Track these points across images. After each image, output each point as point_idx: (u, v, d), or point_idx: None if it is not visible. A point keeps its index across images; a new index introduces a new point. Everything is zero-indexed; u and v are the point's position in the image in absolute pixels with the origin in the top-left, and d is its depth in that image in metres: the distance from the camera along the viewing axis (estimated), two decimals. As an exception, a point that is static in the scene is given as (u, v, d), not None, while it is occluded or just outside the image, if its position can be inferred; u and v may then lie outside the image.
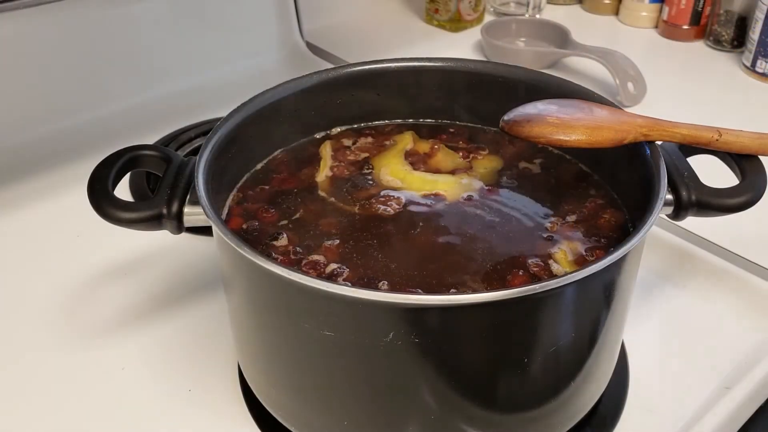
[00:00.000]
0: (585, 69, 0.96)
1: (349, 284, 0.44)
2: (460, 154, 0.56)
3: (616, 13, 1.15)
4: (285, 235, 0.48)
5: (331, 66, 0.58)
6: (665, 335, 0.59)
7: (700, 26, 1.06)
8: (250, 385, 0.50)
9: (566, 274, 0.38)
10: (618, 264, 0.41)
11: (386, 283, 0.44)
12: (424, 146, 0.57)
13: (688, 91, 0.94)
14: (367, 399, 0.43)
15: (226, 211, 0.51)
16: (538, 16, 1.13)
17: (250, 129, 0.52)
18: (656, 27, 1.11)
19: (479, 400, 0.42)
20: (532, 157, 0.56)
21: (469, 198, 0.52)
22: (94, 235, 0.63)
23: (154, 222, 0.45)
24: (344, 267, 0.45)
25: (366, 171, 0.55)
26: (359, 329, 0.39)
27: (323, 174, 0.54)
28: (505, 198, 0.52)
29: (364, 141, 0.58)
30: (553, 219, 0.50)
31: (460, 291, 0.43)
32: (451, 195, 0.52)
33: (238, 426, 0.51)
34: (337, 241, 0.47)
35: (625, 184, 0.50)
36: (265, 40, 0.99)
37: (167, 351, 0.56)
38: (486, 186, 0.53)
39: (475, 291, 0.43)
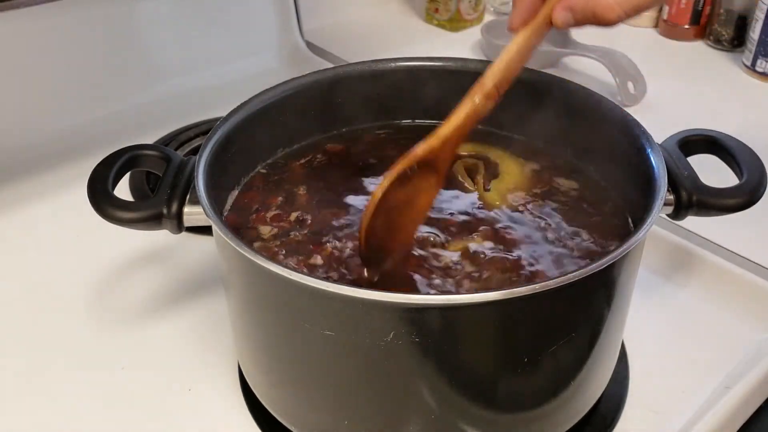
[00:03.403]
0: (585, 68, 0.96)
1: (344, 284, 0.43)
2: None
3: (616, 12, 1.15)
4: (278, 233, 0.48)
5: (331, 66, 0.58)
6: (665, 335, 0.58)
7: (700, 26, 1.06)
8: (250, 385, 0.50)
9: (566, 274, 0.38)
10: (618, 263, 0.41)
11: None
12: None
13: (688, 90, 0.94)
14: (367, 399, 0.43)
15: (226, 210, 0.51)
16: (538, 15, 1.13)
17: (250, 128, 0.52)
18: (656, 26, 1.11)
19: (479, 399, 0.42)
20: (535, 157, 0.56)
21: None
22: (93, 235, 0.63)
23: (153, 221, 0.45)
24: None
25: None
26: (359, 329, 0.39)
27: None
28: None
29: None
30: (552, 218, 0.50)
31: (461, 291, 0.43)
32: None
33: (238, 426, 0.51)
34: (325, 238, 0.48)
35: (625, 184, 0.50)
36: (265, 40, 0.99)
37: (167, 350, 0.56)
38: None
39: (475, 291, 0.43)
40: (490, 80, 0.45)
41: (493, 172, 0.55)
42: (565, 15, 0.43)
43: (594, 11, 0.42)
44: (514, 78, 0.46)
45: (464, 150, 0.56)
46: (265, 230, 0.49)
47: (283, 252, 0.47)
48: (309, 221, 0.50)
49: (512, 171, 0.55)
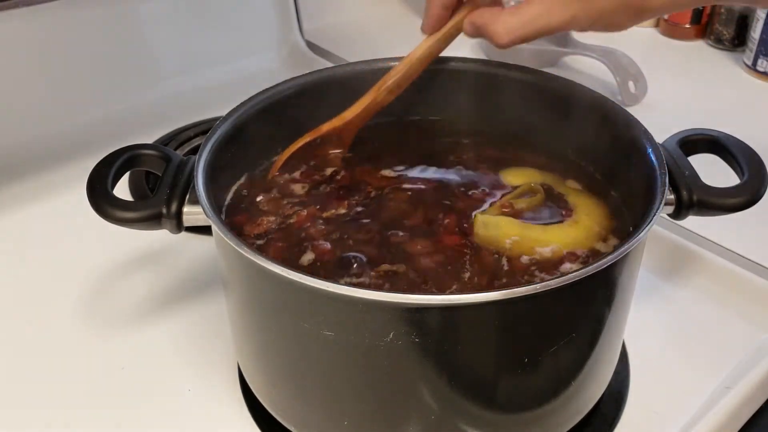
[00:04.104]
0: (586, 68, 0.96)
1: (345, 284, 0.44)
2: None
3: (617, 12, 1.15)
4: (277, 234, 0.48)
5: (331, 65, 0.58)
6: (666, 335, 0.58)
7: (701, 25, 1.06)
8: (250, 385, 0.50)
9: (567, 274, 0.37)
10: (619, 263, 0.40)
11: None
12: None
13: (688, 90, 0.94)
14: (367, 399, 0.43)
15: (225, 210, 0.51)
16: (538, 15, 1.13)
17: (250, 128, 0.51)
18: (657, 26, 1.11)
19: (480, 400, 0.42)
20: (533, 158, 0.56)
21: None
22: (93, 235, 0.63)
23: (153, 221, 0.45)
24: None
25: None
26: (359, 329, 0.39)
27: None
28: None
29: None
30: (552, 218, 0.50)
31: (461, 291, 0.43)
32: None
33: (238, 426, 0.51)
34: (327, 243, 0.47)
35: (626, 183, 0.50)
36: (265, 40, 0.99)
37: (167, 351, 0.56)
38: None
39: (475, 291, 0.43)
40: (392, 78, 0.52)
41: (554, 212, 0.50)
42: (471, 28, 0.50)
43: (487, 32, 0.48)
44: (415, 77, 0.53)
45: (566, 186, 0.52)
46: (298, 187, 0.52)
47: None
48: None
49: (572, 230, 0.48)
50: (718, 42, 1.04)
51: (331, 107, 0.57)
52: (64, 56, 0.81)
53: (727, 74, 0.98)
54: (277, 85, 0.54)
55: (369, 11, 1.13)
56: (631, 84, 0.88)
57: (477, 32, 0.49)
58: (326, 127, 0.53)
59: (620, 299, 0.44)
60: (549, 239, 0.47)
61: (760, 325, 0.58)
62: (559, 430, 0.47)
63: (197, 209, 0.43)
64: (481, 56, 1.01)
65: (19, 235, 0.68)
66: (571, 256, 0.46)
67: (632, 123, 0.49)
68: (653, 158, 0.46)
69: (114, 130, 0.81)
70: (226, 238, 0.39)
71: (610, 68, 0.89)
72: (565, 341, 0.41)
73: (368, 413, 0.43)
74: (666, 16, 1.07)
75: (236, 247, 0.39)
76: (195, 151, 0.47)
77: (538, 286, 0.36)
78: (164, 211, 0.45)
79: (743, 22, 1.01)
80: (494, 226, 0.48)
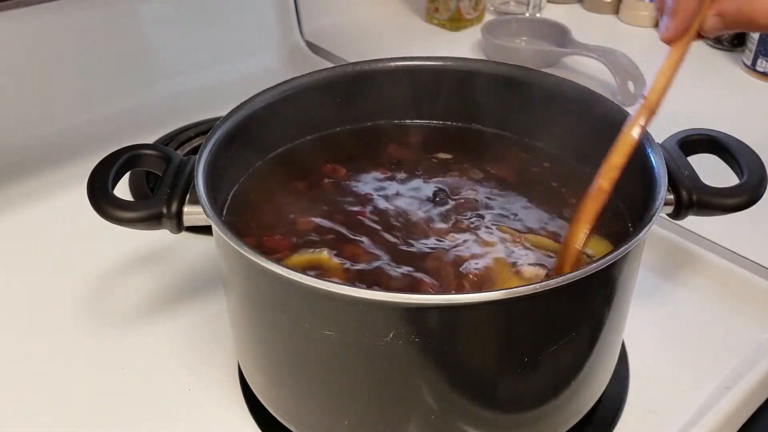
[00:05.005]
0: (585, 68, 0.96)
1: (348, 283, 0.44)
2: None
3: (617, 12, 1.15)
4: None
5: (331, 65, 0.58)
6: (665, 335, 0.58)
7: (701, 25, 1.06)
8: (250, 385, 0.50)
9: (567, 273, 0.38)
10: (618, 264, 0.41)
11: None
12: None
13: (688, 90, 0.94)
14: (367, 399, 0.43)
15: (225, 210, 0.51)
16: (538, 15, 1.13)
17: (250, 128, 0.52)
18: (656, 26, 1.10)
19: (479, 399, 0.42)
20: (532, 159, 0.56)
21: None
22: (93, 235, 0.63)
23: (153, 221, 0.45)
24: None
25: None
26: (359, 329, 0.39)
27: None
28: (501, 195, 0.52)
29: None
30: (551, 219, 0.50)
31: (461, 291, 0.43)
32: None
33: (238, 426, 0.51)
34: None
35: (625, 183, 0.50)
36: (265, 40, 0.99)
37: (167, 351, 0.56)
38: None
39: (475, 291, 0.43)
40: (654, 100, 0.47)
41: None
42: (715, 21, 0.42)
43: (749, 16, 0.40)
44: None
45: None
46: None
47: None
48: None
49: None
50: (718, 42, 1.04)
51: (331, 108, 0.57)
52: (65, 56, 0.81)
53: (726, 74, 0.98)
54: (277, 85, 0.54)
55: (369, 11, 1.13)
56: (630, 84, 0.88)
57: (726, 23, 0.41)
58: (607, 185, 0.44)
59: (620, 299, 0.44)
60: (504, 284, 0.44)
61: (760, 325, 0.58)
62: (558, 430, 0.47)
63: (197, 209, 0.43)
64: (482, 56, 1.01)
65: (19, 235, 0.68)
66: None
67: (632, 123, 0.49)
68: (653, 158, 0.46)
69: (114, 130, 0.81)
70: (226, 238, 0.40)
71: (609, 68, 0.89)
72: (565, 341, 0.41)
73: (368, 413, 0.43)
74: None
75: (236, 247, 0.39)
76: (195, 151, 0.48)
77: (537, 286, 0.36)
78: (164, 211, 0.45)
79: (743, 23, 1.01)
80: (493, 280, 0.45)
